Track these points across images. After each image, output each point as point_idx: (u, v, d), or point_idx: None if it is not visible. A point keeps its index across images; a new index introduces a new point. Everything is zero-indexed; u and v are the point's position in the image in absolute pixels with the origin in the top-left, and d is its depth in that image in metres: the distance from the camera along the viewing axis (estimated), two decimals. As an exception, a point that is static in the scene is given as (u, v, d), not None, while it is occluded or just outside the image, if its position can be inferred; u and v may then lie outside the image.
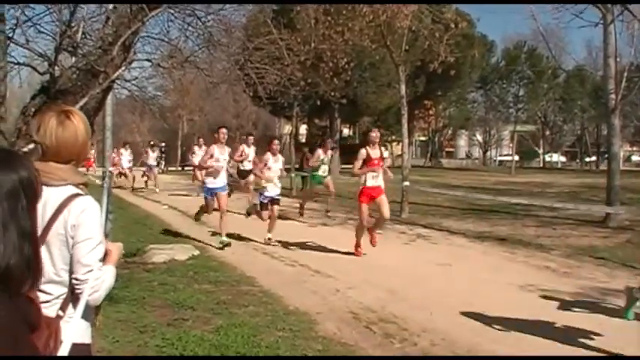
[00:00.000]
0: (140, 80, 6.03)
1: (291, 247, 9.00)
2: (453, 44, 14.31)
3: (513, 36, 44.14)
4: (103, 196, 6.36)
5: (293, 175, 19.24)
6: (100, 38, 4.49)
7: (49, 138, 2.00)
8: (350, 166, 11.18)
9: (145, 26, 4.79)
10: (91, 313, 2.01)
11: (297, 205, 12.71)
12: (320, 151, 12.58)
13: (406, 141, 14.73)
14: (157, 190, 19.06)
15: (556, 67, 35.28)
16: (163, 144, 30.47)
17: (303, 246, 9.16)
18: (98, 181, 7.97)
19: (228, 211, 9.38)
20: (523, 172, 34.35)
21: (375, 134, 8.37)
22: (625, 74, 12.30)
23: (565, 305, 5.93)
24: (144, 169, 20.97)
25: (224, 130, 9.54)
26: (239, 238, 9.60)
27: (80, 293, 1.89)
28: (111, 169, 8.45)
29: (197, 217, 10.29)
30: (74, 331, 1.83)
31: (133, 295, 5.72)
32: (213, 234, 9.61)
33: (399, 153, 18.13)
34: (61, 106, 2.34)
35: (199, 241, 9.14)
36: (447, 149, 56.89)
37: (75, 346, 1.78)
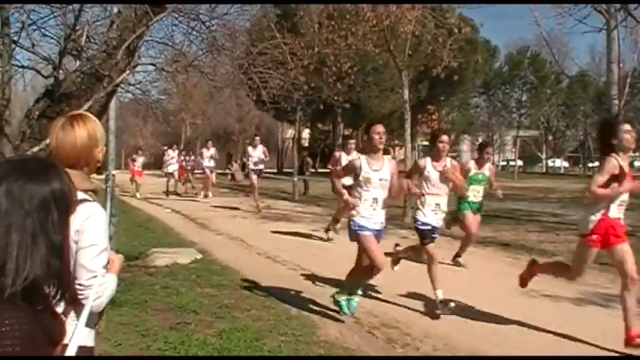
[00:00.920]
0: (144, 84, 6.09)
1: (293, 252, 8.99)
2: (457, 49, 14.31)
3: (517, 41, 44.35)
4: (106, 200, 6.36)
5: (295, 179, 19.31)
6: (104, 42, 4.52)
7: (52, 141, 2.02)
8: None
9: (150, 30, 4.82)
10: (93, 317, 2.02)
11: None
12: (472, 164, 8.34)
13: (409, 145, 14.73)
14: (210, 195, 18.02)
15: (559, 73, 35.28)
16: (166, 147, 30.49)
17: (303, 250, 9.15)
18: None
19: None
20: (526, 177, 34.27)
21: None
22: (628, 80, 12.34)
23: (568, 311, 5.91)
24: (198, 171, 20.45)
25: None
26: (241, 240, 9.56)
27: (84, 299, 1.90)
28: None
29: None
30: (79, 333, 1.83)
31: (135, 298, 5.71)
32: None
33: (402, 157, 18.13)
34: (78, 112, 2.34)
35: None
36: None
37: (78, 348, 1.78)
